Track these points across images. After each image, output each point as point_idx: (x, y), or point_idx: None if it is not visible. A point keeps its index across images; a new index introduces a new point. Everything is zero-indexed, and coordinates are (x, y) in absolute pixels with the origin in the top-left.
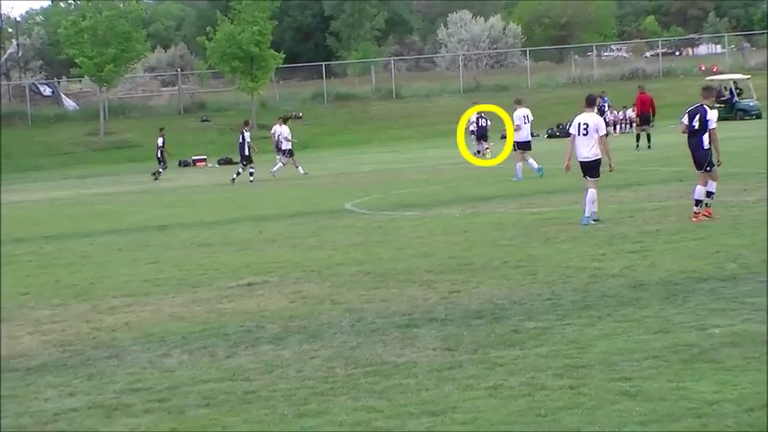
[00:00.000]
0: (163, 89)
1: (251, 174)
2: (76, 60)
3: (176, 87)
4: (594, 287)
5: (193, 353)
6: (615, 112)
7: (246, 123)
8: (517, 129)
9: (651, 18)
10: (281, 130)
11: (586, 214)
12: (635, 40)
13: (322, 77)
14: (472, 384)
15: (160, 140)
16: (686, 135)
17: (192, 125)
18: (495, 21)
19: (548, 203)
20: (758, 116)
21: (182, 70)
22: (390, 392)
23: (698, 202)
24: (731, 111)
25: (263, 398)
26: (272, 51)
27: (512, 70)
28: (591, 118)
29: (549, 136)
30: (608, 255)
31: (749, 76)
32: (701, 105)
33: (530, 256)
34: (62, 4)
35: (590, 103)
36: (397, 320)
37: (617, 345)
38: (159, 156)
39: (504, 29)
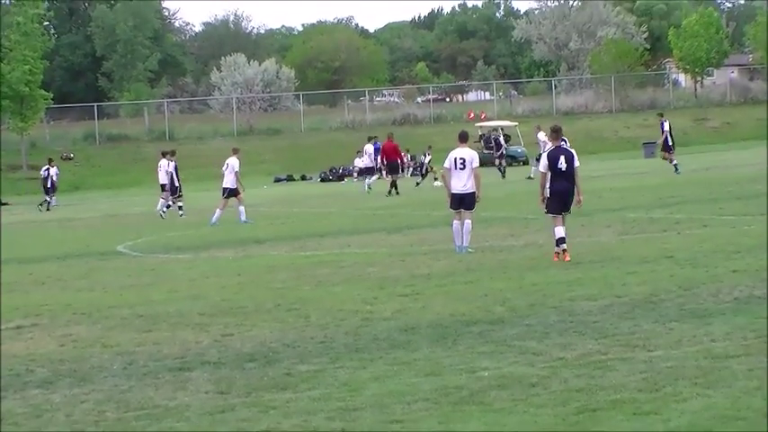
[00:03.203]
0: None
1: (180, 207)
2: None
3: None
4: (366, 330)
5: None
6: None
7: (173, 153)
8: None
9: (422, 64)
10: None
11: (458, 243)
12: (407, 86)
13: (94, 118)
14: (245, 428)
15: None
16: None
17: None
18: (269, 64)
19: (320, 246)
20: (525, 162)
21: None
22: None
23: (560, 241)
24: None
25: None
26: (42, 91)
27: (285, 114)
28: (466, 152)
29: (322, 179)
30: (380, 298)
31: (516, 123)
32: (561, 147)
33: (302, 298)
34: None
35: (463, 138)
36: (170, 363)
37: (388, 387)
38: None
39: (278, 72)
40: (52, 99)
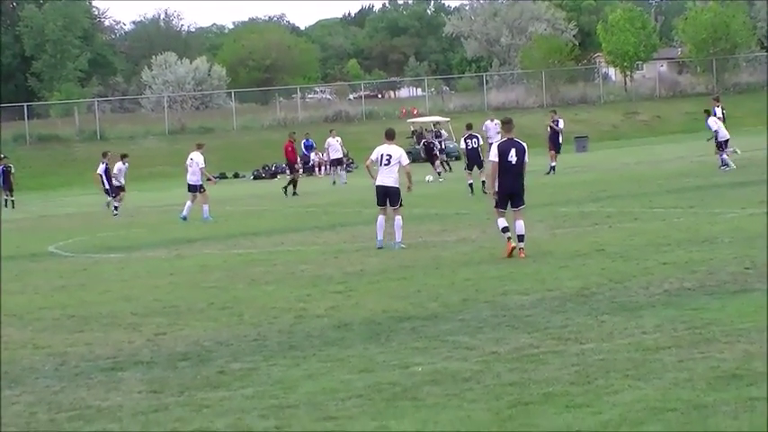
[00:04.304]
0: None
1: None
2: None
3: None
4: (300, 327)
5: None
6: (320, 154)
7: (105, 155)
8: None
9: (353, 61)
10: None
11: (380, 238)
12: (338, 83)
13: (23, 119)
14: (177, 427)
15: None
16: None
17: None
18: (200, 63)
19: (253, 245)
20: (457, 158)
21: None
22: None
23: (506, 230)
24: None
25: None
26: None
27: (217, 112)
28: (394, 149)
29: (255, 177)
30: (313, 295)
31: (448, 119)
32: (513, 140)
33: (235, 297)
34: None
35: (389, 136)
36: (102, 364)
37: (322, 384)
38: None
39: (209, 71)
40: None
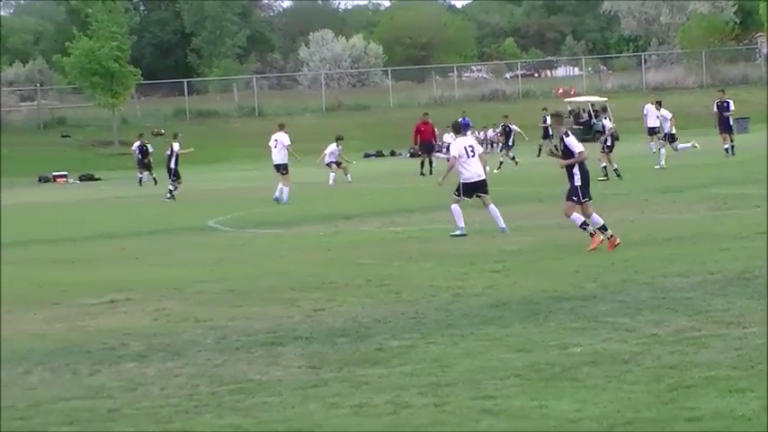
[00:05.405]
0: (21, 104)
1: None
2: None
3: (35, 102)
4: (457, 306)
5: (56, 370)
6: (476, 132)
7: (175, 136)
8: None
9: (510, 40)
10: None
11: (460, 225)
12: (495, 62)
13: (183, 94)
14: (337, 402)
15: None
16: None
17: (52, 141)
18: (357, 40)
19: (409, 222)
20: (616, 138)
21: (41, 85)
22: (255, 410)
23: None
24: (589, 132)
25: (126, 416)
26: (132, 68)
27: (373, 90)
28: (473, 140)
29: (411, 155)
30: (470, 274)
31: (606, 99)
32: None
33: (392, 274)
34: None
35: (457, 129)
36: (262, 338)
37: (479, 363)
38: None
39: (366, 48)
40: (142, 75)
